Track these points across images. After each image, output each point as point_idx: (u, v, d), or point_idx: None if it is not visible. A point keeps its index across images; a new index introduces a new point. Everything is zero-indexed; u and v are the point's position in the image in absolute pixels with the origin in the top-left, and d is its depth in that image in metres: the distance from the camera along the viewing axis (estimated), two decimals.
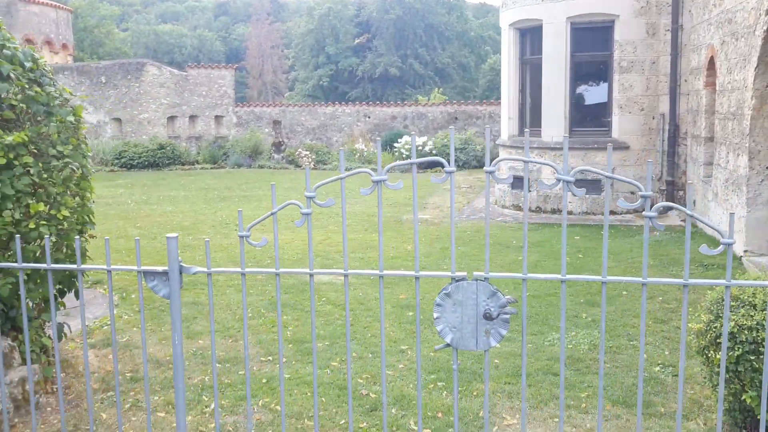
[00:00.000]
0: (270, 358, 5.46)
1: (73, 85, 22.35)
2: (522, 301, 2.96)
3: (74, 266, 3.23)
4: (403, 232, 10.73)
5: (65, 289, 4.93)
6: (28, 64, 4.22)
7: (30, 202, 4.04)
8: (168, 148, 21.01)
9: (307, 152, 20.20)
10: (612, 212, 11.65)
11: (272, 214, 3.11)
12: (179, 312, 3.16)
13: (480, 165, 19.69)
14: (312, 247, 3.05)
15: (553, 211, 12.24)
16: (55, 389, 4.58)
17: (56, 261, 4.56)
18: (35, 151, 4.15)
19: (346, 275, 3.10)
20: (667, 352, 5.44)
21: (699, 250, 2.85)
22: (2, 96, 3.98)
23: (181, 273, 3.15)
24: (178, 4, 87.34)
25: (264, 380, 4.96)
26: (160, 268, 3.15)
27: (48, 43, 23.83)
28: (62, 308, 4.92)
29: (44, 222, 4.14)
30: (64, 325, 4.89)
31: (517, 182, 12.63)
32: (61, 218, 4.30)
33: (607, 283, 2.83)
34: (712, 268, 7.87)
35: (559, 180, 2.90)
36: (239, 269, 3.12)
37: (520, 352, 5.65)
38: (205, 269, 3.14)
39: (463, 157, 19.66)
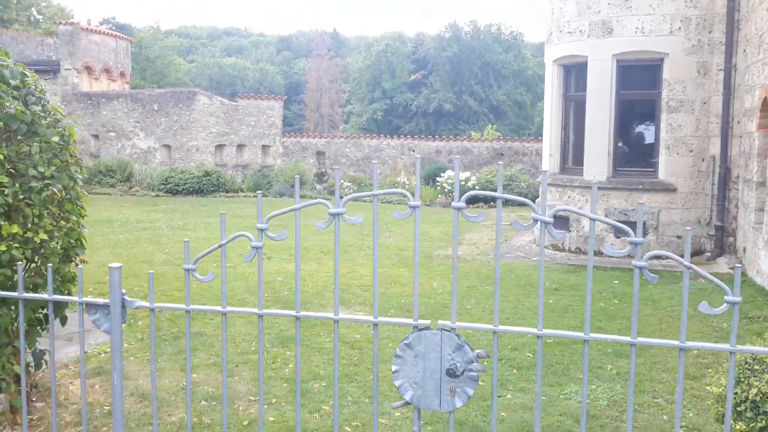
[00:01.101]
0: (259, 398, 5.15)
1: (126, 111, 22.91)
2: (493, 356, 2.59)
3: (15, 294, 3.02)
4: (431, 269, 10.35)
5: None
6: (13, 82, 4.10)
7: (2, 223, 3.87)
8: (213, 175, 21.20)
9: (349, 183, 20.07)
10: (657, 257, 10.98)
11: (220, 246, 2.83)
12: (120, 349, 2.90)
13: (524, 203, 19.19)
14: (262, 283, 2.75)
15: (594, 254, 11.64)
16: (21, 421, 4.36)
17: (35, 285, 4.40)
18: (13, 170, 4.00)
19: (297, 317, 2.80)
20: (692, 414, 4.90)
21: (698, 308, 2.45)
22: None
23: (124, 306, 2.90)
24: (242, 39, 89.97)
25: (245, 422, 4.65)
26: (101, 301, 2.90)
27: (106, 71, 24.55)
28: (43, 333, 4.73)
29: (17, 245, 3.97)
30: (45, 352, 4.69)
31: (559, 223, 12.14)
32: (39, 242, 4.12)
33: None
34: (757, 320, 7.24)
35: (536, 220, 2.57)
36: (183, 306, 2.85)
37: (531, 405, 5.20)
38: (148, 303, 2.87)
39: (507, 194, 19.19)
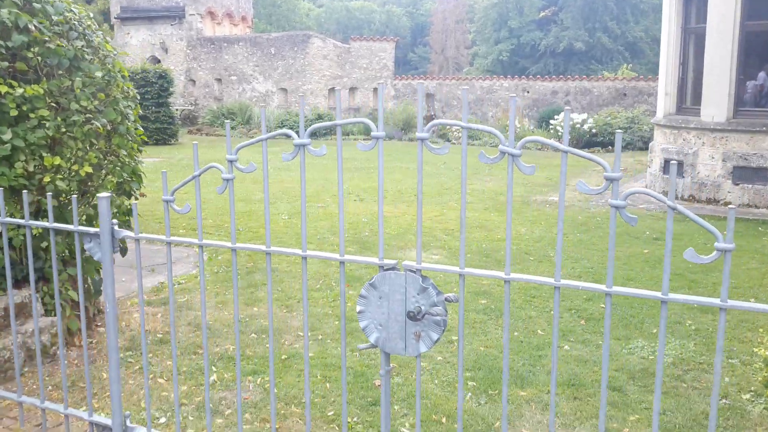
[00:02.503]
0: (309, 333, 5.19)
1: (246, 56, 23.56)
2: (460, 300, 2.40)
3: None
4: (524, 214, 9.97)
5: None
6: (56, 18, 4.22)
7: (45, 155, 4.04)
8: (325, 118, 21.50)
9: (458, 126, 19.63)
10: (637, 194, 9.99)
11: (194, 177, 2.79)
12: (111, 277, 2.96)
13: (645, 147, 17.99)
14: (234, 218, 2.67)
15: (709, 201, 10.76)
16: (79, 343, 4.66)
17: (89, 217, 4.62)
18: (55, 105, 4.15)
19: (268, 252, 2.72)
20: (761, 379, 4.41)
21: (683, 256, 2.15)
22: (17, 48, 4.00)
23: (113, 236, 2.95)
24: None
25: (284, 356, 4.71)
26: (92, 230, 2.96)
27: (228, 16, 25.26)
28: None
29: (61, 177, 4.14)
30: (102, 281, 4.95)
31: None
32: (84, 174, 4.29)
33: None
34: None
35: (503, 153, 2.32)
36: (164, 237, 2.85)
37: (587, 358, 4.91)
38: (133, 234, 2.90)
39: (627, 137, 18.06)
